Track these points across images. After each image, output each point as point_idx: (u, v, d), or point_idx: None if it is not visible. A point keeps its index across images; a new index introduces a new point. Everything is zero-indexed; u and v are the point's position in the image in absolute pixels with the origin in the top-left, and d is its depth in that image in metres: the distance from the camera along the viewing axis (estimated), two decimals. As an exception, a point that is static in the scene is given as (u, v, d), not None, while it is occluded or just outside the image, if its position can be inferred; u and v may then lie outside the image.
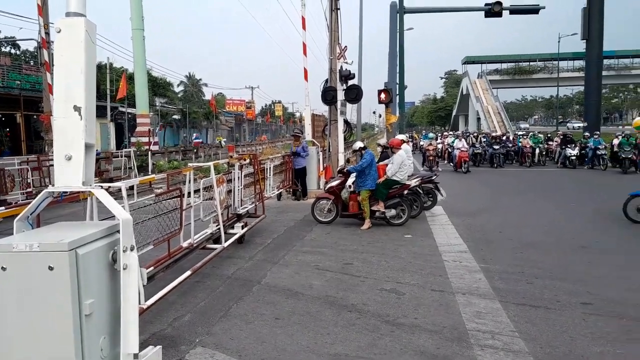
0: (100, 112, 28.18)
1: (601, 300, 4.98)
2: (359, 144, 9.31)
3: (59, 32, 3.38)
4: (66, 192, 3.25)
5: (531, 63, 68.67)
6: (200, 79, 63.73)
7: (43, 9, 15.93)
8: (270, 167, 10.99)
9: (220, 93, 72.38)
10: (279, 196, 12.20)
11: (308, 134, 13.83)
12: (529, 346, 3.95)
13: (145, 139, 23.12)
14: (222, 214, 6.72)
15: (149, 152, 19.72)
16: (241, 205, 8.11)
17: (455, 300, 5.04)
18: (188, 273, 5.21)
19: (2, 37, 44.91)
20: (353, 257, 6.72)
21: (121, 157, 16.94)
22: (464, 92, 65.49)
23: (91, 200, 4.47)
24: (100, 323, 2.85)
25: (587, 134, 21.81)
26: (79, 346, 2.64)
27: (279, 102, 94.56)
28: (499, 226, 8.90)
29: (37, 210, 3.25)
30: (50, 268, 2.65)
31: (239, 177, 7.97)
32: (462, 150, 19.34)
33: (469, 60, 69.39)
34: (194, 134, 46.64)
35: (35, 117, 30.78)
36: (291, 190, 12.59)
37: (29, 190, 11.55)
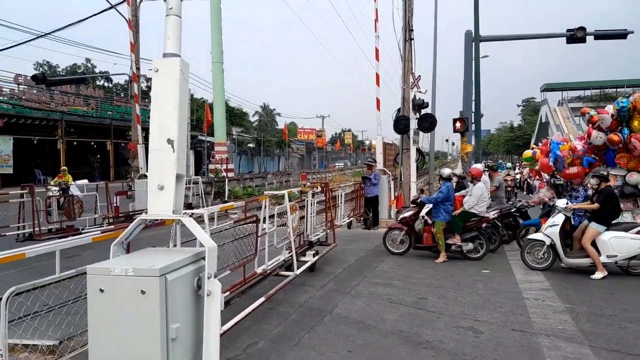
0: (182, 140, 29.80)
1: None
2: (447, 171, 8.99)
3: (156, 71, 3.66)
4: (157, 220, 3.47)
5: (618, 89, 64.44)
6: (274, 109, 66.20)
7: (135, 47, 17.36)
8: (341, 195, 11.05)
9: (293, 122, 74.53)
10: (349, 224, 12.20)
11: (379, 163, 13.80)
12: (626, 400, 3.61)
13: (223, 166, 24.21)
14: (294, 241, 6.82)
15: (226, 179, 20.52)
16: (313, 233, 8.20)
17: (539, 342, 4.73)
18: (262, 300, 5.31)
19: (97, 71, 49.42)
20: (427, 292, 6.53)
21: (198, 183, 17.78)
22: (543, 120, 62.58)
23: (176, 226, 4.73)
24: (184, 347, 2.98)
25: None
26: (166, 367, 2.77)
27: (349, 130, 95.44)
28: (585, 264, 8.28)
29: (132, 236, 3.49)
30: (143, 292, 2.82)
31: (311, 205, 8.08)
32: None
33: (548, 88, 66.43)
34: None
35: (123, 144, 33.24)
36: (362, 218, 12.54)
37: (95, 216, 12.46)
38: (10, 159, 26.07)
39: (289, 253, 6.78)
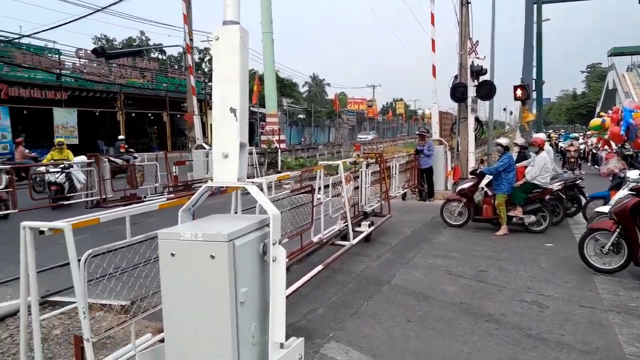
0: (234, 112, 30.24)
1: None
2: (505, 140, 8.71)
3: (217, 39, 3.63)
4: (222, 187, 3.53)
5: (697, 52, 59.07)
6: (324, 79, 65.70)
7: (188, 18, 17.54)
8: (395, 166, 10.89)
9: (343, 92, 73.77)
10: (404, 196, 12.05)
11: (435, 133, 13.44)
12: None
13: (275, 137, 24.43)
14: (349, 211, 6.80)
15: (279, 150, 20.72)
16: (367, 204, 8.15)
17: (609, 319, 4.53)
18: (320, 267, 5.36)
19: (152, 44, 50.54)
20: (488, 265, 6.37)
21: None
22: (610, 87, 58.61)
23: (237, 194, 4.82)
24: (251, 311, 3.04)
25: None
26: (235, 331, 2.84)
27: (401, 99, 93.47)
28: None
29: (198, 203, 3.56)
30: (212, 257, 2.87)
31: (365, 176, 8.03)
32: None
33: (616, 52, 61.76)
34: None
35: (178, 116, 34.14)
36: (417, 190, 12.34)
37: (156, 184, 12.65)
38: (76, 130, 27.41)
39: (344, 223, 6.79)
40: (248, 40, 3.80)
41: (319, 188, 6.42)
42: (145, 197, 11.30)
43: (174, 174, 13.73)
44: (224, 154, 3.47)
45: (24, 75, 25.28)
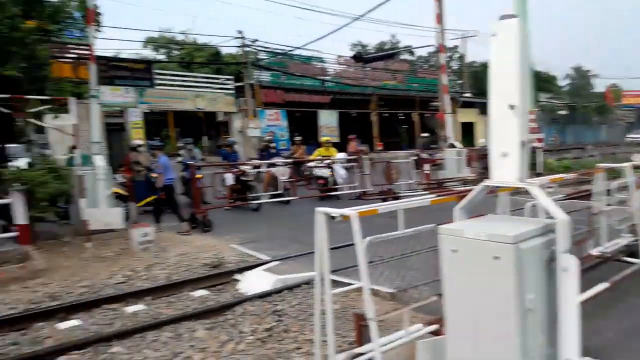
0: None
1: None
2: None
3: (494, 35, 3.51)
4: (500, 186, 3.40)
5: None
6: (589, 70, 57.62)
7: (440, 17, 17.45)
8: None
9: (614, 84, 63.10)
10: None
11: None
12: None
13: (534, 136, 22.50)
14: (640, 223, 5.73)
15: (539, 150, 19.03)
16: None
17: None
18: (606, 284, 4.67)
19: (401, 46, 52.30)
20: None
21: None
22: None
23: (506, 194, 4.57)
24: (538, 320, 2.82)
25: None
26: (522, 338, 2.67)
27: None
28: None
29: (475, 201, 3.49)
30: (496, 258, 2.77)
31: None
32: None
33: None
34: None
35: (427, 115, 34.59)
36: None
37: (410, 181, 13.14)
38: (337, 130, 30.64)
39: (634, 237, 5.77)
40: (527, 34, 3.58)
41: (599, 194, 5.63)
42: (399, 193, 11.83)
43: (427, 171, 14.01)
44: (503, 153, 3.35)
45: (296, 82, 29.58)
